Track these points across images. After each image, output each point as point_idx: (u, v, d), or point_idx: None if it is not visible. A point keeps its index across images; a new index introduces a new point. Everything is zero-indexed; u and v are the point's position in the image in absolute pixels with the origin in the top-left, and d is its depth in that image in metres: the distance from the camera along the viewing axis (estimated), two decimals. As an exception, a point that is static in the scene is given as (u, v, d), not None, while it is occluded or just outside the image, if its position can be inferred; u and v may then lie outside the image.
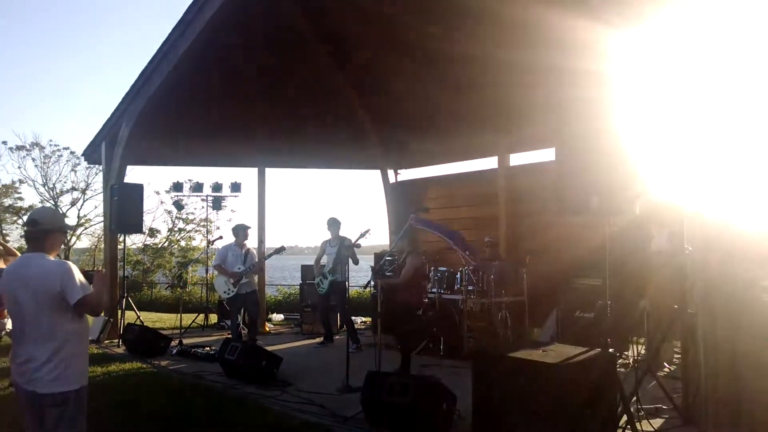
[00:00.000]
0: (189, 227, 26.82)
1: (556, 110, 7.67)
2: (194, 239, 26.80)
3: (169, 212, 26.41)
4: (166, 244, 27.33)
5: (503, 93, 8.81)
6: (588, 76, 6.69)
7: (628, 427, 4.34)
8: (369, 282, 6.69)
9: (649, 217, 7.04)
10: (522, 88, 8.30)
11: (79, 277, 3.27)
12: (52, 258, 3.34)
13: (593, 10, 5.88)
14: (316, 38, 10.04)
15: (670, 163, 5.08)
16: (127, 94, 9.56)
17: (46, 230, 3.38)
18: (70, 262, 3.36)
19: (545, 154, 9.67)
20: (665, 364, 7.34)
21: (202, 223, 26.19)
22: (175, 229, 27.06)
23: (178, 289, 21.39)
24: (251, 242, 9.36)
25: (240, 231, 8.86)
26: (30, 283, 3.21)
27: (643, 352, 7.53)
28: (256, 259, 8.82)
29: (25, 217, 28.20)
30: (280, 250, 8.96)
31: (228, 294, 8.64)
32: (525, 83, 8.19)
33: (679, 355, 7.46)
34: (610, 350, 4.50)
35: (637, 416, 4.67)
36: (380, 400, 5.24)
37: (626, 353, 7.44)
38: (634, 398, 4.84)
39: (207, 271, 11.84)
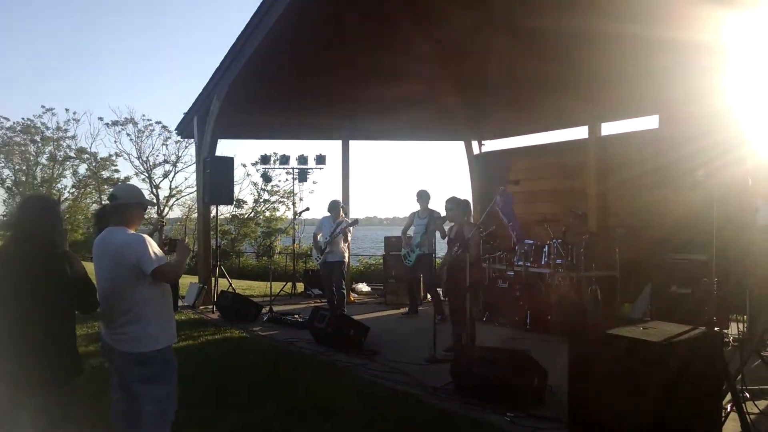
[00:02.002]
0: (273, 198, 27.58)
1: (657, 77, 7.32)
2: (278, 210, 27.57)
3: (255, 184, 27.23)
4: (252, 215, 28.22)
5: (595, 61, 8.44)
6: (687, 47, 6.34)
7: (734, 408, 4.16)
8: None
9: (756, 187, 6.63)
10: (616, 56, 7.94)
11: (153, 249, 3.46)
12: (131, 231, 3.52)
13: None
14: (404, 12, 9.93)
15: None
16: (218, 69, 9.83)
17: (124, 204, 3.57)
18: (146, 236, 3.53)
19: (638, 123, 9.27)
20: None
21: (285, 195, 26.89)
22: (261, 200, 27.89)
23: (264, 258, 22.21)
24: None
25: (332, 208, 9.24)
26: (110, 254, 3.44)
27: (744, 330, 7.17)
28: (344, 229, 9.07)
29: (121, 189, 29.68)
30: (353, 223, 9.23)
31: (317, 261, 9.19)
32: (620, 51, 7.83)
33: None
34: (716, 329, 4.30)
35: (741, 397, 4.47)
36: (470, 373, 5.25)
37: (726, 331, 7.09)
38: (738, 378, 4.63)
39: (293, 242, 12.16)
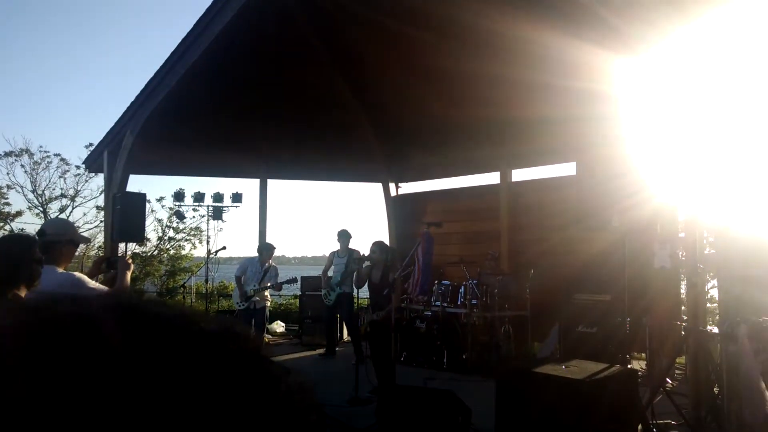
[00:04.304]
0: (179, 236, 26.66)
1: (567, 125, 7.86)
2: (184, 248, 26.64)
3: (160, 221, 26.24)
4: (155, 252, 27.12)
5: (507, 108, 8.95)
6: (592, 95, 6.89)
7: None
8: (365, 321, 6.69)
9: (653, 232, 7.17)
10: (525, 104, 8.47)
11: (87, 286, 3.28)
12: (60, 270, 3.31)
13: (598, 37, 6.07)
14: (323, 54, 10.14)
15: (683, 175, 5.23)
16: (132, 103, 9.55)
17: (53, 242, 3.33)
18: (77, 273, 3.36)
19: (547, 170, 9.85)
20: (668, 379, 7.45)
21: (192, 232, 26.08)
22: (165, 237, 26.89)
23: (168, 297, 21.36)
24: (252, 251, 9.36)
25: (264, 251, 8.99)
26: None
27: (644, 367, 7.67)
28: (275, 277, 8.85)
29: (12, 224, 27.79)
30: (292, 281, 9.14)
31: (240, 306, 8.78)
32: (529, 100, 8.36)
33: (680, 371, 7.62)
34: (629, 366, 4.60)
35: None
36: (395, 413, 5.28)
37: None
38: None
39: (206, 281, 11.82)
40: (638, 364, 7.86)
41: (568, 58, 6.84)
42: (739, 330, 2.21)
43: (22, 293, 2.68)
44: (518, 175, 10.20)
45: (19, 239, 3.07)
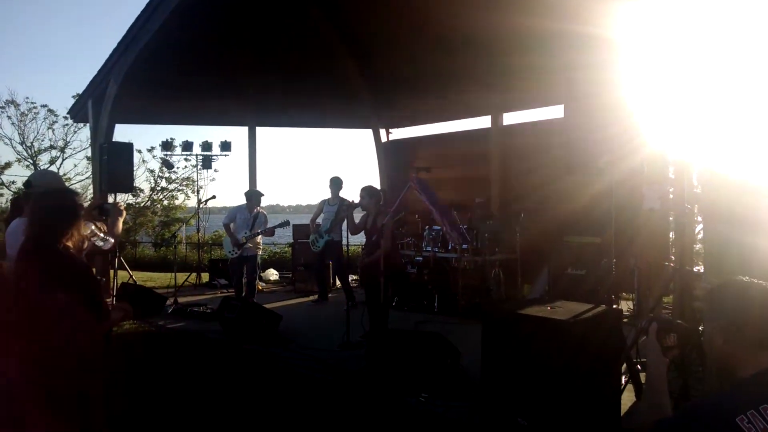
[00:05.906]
0: (172, 186, 26.53)
1: (559, 69, 7.70)
2: (177, 198, 26.54)
3: (152, 171, 26.07)
4: (148, 204, 27.05)
5: (498, 52, 8.77)
6: (586, 40, 6.73)
7: (629, 379, 4.51)
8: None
9: (643, 174, 7.13)
10: (517, 48, 8.29)
11: None
12: None
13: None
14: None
15: (673, 119, 5.16)
16: (115, 50, 9.32)
17: None
18: None
19: (539, 113, 9.73)
20: (655, 319, 7.54)
21: (185, 182, 25.95)
22: (158, 188, 26.77)
23: (164, 248, 21.41)
24: (242, 200, 9.26)
25: (253, 197, 8.86)
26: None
27: (633, 307, 7.75)
28: (265, 223, 8.79)
29: (1, 176, 27.57)
30: (284, 224, 9.05)
31: (232, 254, 8.75)
32: (520, 44, 8.18)
33: (666, 310, 7.72)
34: (614, 306, 4.64)
35: (636, 369, 4.85)
36: (385, 356, 5.36)
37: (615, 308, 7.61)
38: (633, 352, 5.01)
39: (197, 230, 11.79)
40: (626, 305, 7.96)
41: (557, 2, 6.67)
42: (650, 327, 2.23)
43: (73, 242, 2.76)
44: (509, 118, 10.08)
45: (61, 193, 2.99)
